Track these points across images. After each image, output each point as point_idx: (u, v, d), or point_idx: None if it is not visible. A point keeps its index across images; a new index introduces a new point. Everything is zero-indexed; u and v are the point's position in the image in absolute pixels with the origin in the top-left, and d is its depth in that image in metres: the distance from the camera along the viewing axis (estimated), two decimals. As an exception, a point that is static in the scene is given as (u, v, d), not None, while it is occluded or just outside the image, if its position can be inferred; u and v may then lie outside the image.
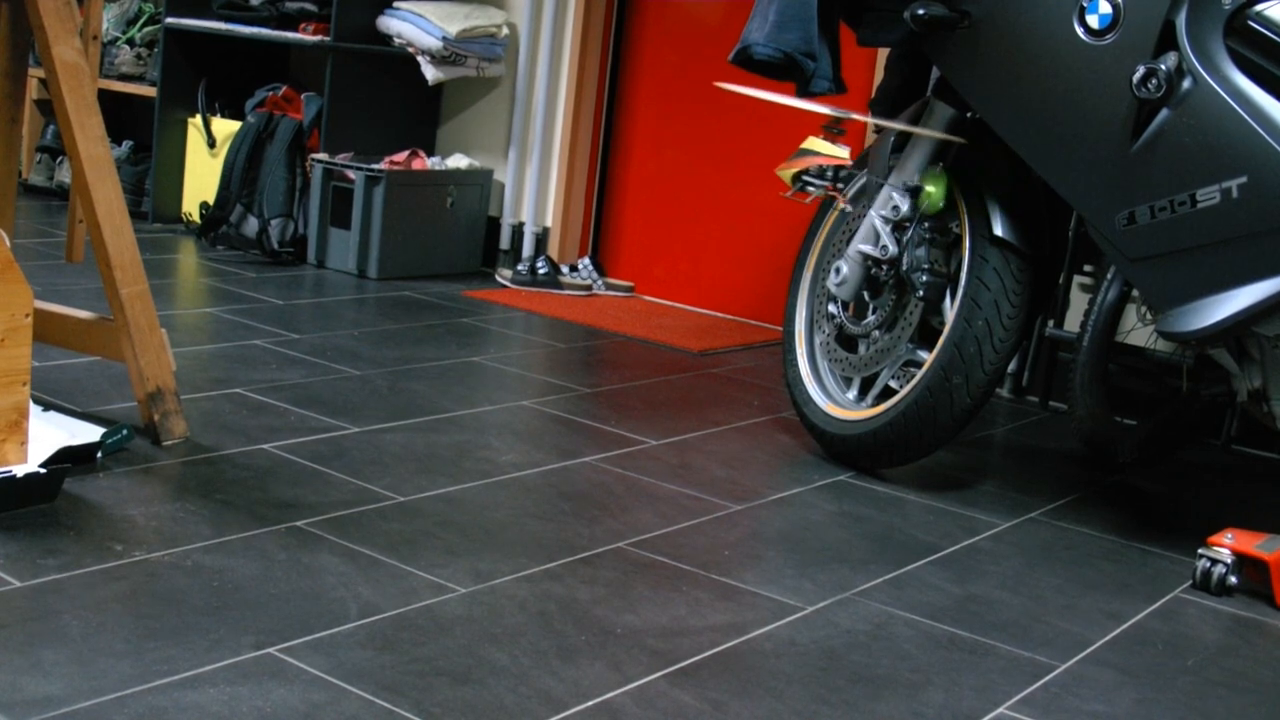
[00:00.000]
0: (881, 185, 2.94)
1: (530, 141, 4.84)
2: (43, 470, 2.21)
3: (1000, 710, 1.89)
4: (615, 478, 2.72)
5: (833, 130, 1.84)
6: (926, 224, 2.88)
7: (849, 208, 1.81)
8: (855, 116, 1.88)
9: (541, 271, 4.63)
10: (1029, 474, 3.10)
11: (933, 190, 1.75)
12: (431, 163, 4.74)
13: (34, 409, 2.43)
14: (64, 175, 5.41)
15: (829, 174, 1.77)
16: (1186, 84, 2.38)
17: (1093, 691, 1.99)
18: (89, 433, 2.47)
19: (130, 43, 5.36)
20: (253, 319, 3.72)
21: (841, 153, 1.77)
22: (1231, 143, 2.34)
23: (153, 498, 2.31)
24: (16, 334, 2.24)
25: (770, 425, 3.26)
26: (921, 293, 2.84)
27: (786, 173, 1.77)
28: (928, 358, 2.82)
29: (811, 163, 1.75)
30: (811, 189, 1.77)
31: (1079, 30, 2.49)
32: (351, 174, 4.53)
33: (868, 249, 2.93)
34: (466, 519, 2.39)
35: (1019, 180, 2.79)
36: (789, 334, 3.19)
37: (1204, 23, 2.37)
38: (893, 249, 2.89)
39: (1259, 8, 2.35)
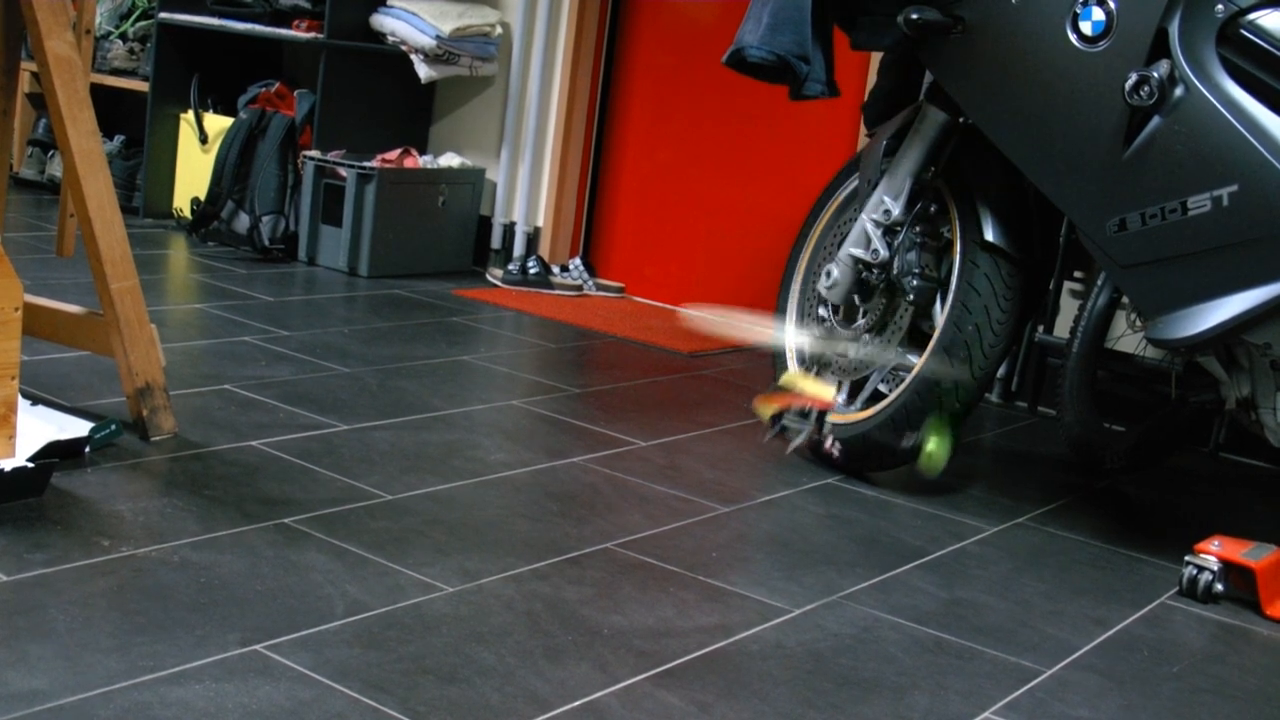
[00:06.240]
0: (874, 189, 2.94)
1: (522, 141, 4.84)
2: (30, 465, 2.21)
3: (986, 715, 1.90)
4: (604, 478, 2.73)
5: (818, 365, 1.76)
6: (918, 228, 2.88)
7: (835, 451, 1.74)
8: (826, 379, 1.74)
9: (532, 271, 4.63)
10: (1017, 479, 3.11)
11: (934, 448, 1.65)
12: (424, 161, 4.74)
13: (22, 403, 2.43)
14: (55, 169, 5.40)
15: (811, 415, 1.69)
16: (1179, 91, 2.38)
17: (1078, 697, 1.99)
18: (77, 427, 2.46)
19: (123, 37, 5.35)
20: (243, 315, 3.72)
21: (826, 393, 1.68)
22: (1223, 151, 2.34)
23: (140, 493, 2.31)
24: (6, 327, 2.24)
25: (759, 427, 3.26)
26: (912, 297, 2.85)
27: (765, 409, 1.71)
28: (917, 362, 2.82)
29: (792, 401, 1.68)
30: (791, 431, 1.70)
31: (1072, 37, 2.50)
32: (343, 171, 4.53)
33: (859, 252, 2.93)
34: (454, 518, 2.39)
35: (1010, 185, 2.80)
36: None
37: (1197, 30, 2.38)
38: (883, 253, 2.89)
39: (1251, 16, 2.35)
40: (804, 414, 1.65)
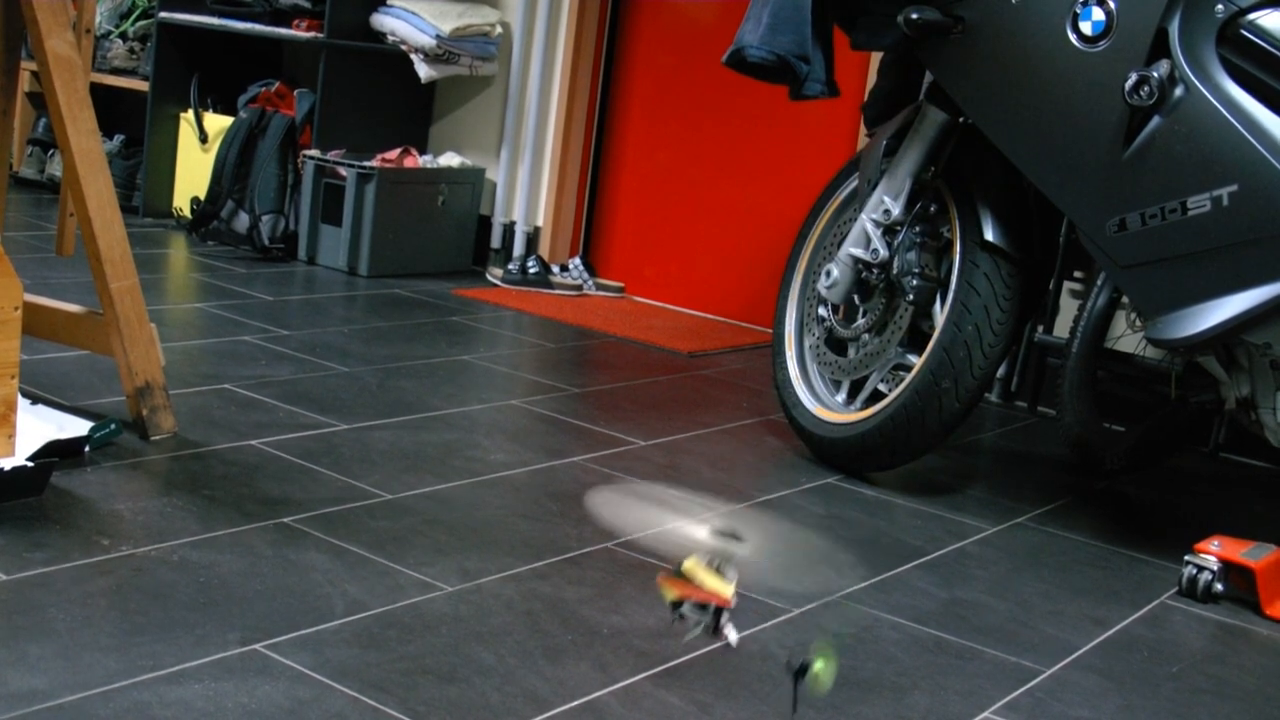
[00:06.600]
0: (874, 189, 2.94)
1: (522, 141, 4.83)
2: (30, 464, 2.21)
3: (985, 715, 1.90)
4: (603, 478, 2.72)
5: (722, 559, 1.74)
6: (918, 228, 2.88)
7: (731, 640, 1.74)
8: (731, 575, 1.75)
9: (532, 271, 4.62)
10: (1017, 479, 3.11)
11: (820, 669, 1.68)
12: (423, 161, 4.74)
13: (22, 402, 2.43)
14: (55, 168, 5.40)
15: (710, 610, 1.68)
16: (1178, 92, 2.38)
17: (1078, 697, 1.99)
18: (77, 427, 2.46)
19: (123, 37, 5.35)
20: (242, 315, 3.72)
21: (726, 589, 1.67)
22: (1223, 151, 2.34)
23: (140, 492, 2.31)
24: (5, 327, 2.24)
25: (759, 427, 3.26)
26: (911, 297, 2.85)
27: (666, 592, 1.71)
28: (917, 362, 2.82)
29: (692, 593, 1.67)
30: (689, 620, 1.69)
31: (1072, 37, 2.50)
32: (343, 171, 4.53)
33: (858, 252, 2.93)
34: (454, 517, 2.39)
35: (1010, 185, 2.80)
36: (779, 336, 3.19)
37: (1196, 31, 2.38)
38: (883, 253, 2.89)
39: (1251, 16, 2.35)
40: (703, 607, 1.65)
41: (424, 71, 4.69)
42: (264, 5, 4.83)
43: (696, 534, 1.71)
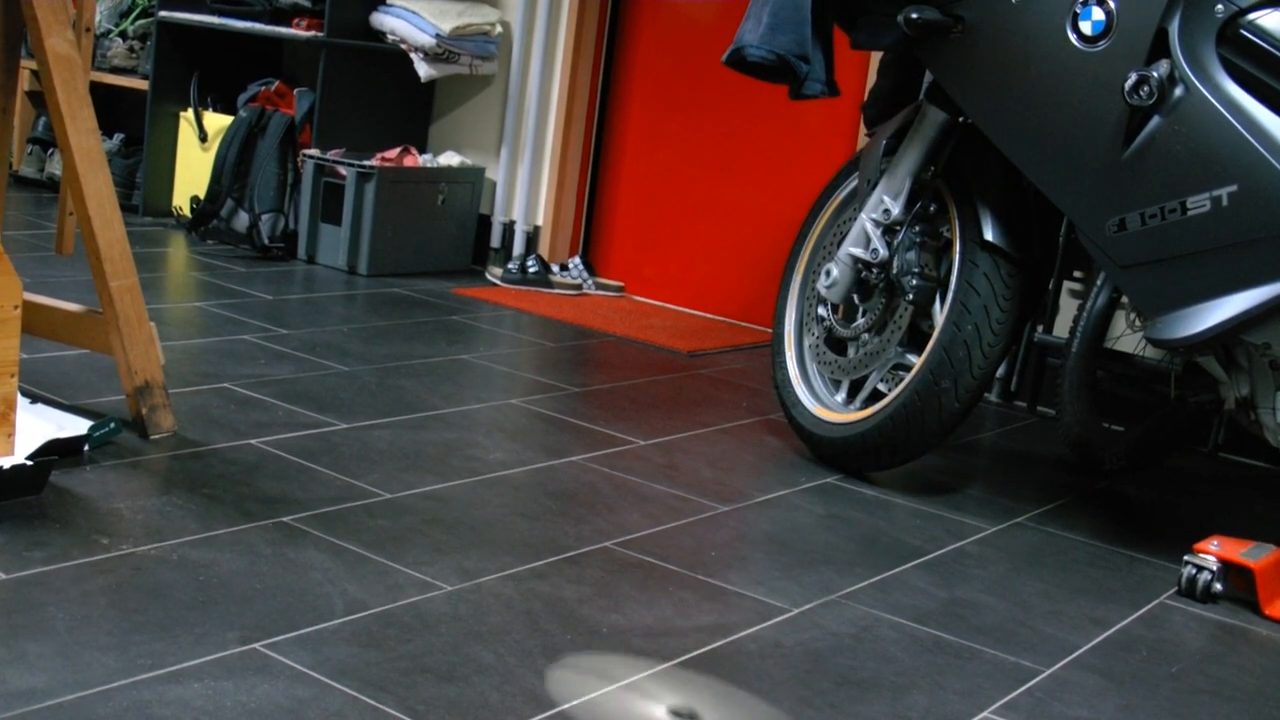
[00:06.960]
0: (873, 188, 2.94)
1: (522, 140, 4.83)
2: (29, 462, 2.21)
3: (984, 714, 1.90)
4: (602, 477, 2.72)
5: None
6: (917, 228, 2.88)
7: None
8: None
9: (532, 270, 4.62)
10: (1016, 479, 3.11)
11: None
12: (423, 160, 4.74)
13: (22, 401, 2.43)
14: (55, 167, 5.40)
15: None
16: (1178, 91, 2.38)
17: (1077, 697, 1.99)
18: (76, 426, 2.46)
19: (123, 35, 5.35)
20: (242, 314, 3.72)
21: None
22: (1223, 151, 2.34)
23: (139, 491, 2.31)
24: (5, 326, 2.24)
25: (758, 427, 3.26)
26: (911, 296, 2.85)
27: None
28: (916, 361, 2.82)
29: None
30: None
31: (1072, 36, 2.50)
32: (343, 170, 4.53)
33: (858, 252, 2.93)
34: (453, 517, 2.39)
35: (1010, 185, 2.80)
36: (778, 336, 3.19)
37: (1196, 31, 2.38)
38: (883, 252, 2.89)
39: (1251, 16, 2.35)
40: None
41: (424, 70, 4.69)
42: (264, 4, 4.83)
43: (655, 712, 1.75)
